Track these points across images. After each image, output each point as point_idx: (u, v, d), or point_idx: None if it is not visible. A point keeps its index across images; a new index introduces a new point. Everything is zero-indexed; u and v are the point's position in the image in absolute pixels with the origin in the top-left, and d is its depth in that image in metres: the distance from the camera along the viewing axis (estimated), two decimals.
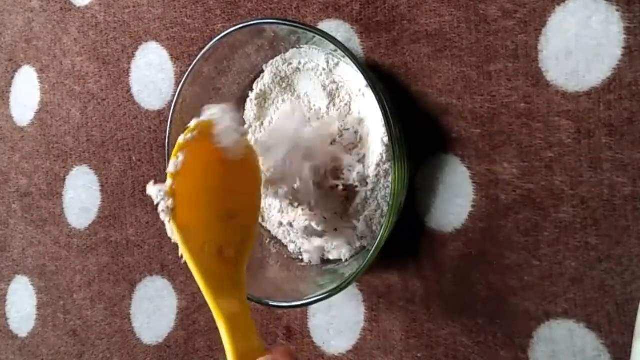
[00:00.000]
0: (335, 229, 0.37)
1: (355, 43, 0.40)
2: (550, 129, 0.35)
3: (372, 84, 0.32)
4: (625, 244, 0.33)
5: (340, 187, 0.37)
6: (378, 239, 0.32)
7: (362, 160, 0.37)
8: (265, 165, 0.36)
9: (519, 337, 0.36)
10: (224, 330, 0.29)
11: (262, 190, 0.40)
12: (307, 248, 0.39)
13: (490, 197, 0.36)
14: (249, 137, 0.41)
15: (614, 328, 0.34)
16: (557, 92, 0.34)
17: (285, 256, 0.40)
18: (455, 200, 0.37)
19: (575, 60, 0.34)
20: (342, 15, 0.40)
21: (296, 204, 0.37)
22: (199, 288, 0.31)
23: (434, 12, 0.37)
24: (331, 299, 0.34)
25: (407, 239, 0.38)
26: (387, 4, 0.39)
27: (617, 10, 0.33)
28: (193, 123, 0.32)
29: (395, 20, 0.38)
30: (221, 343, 0.45)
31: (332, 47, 0.33)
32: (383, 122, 0.33)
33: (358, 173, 0.36)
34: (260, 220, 0.41)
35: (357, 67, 0.32)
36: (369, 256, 0.32)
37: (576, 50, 0.34)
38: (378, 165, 0.36)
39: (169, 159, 0.38)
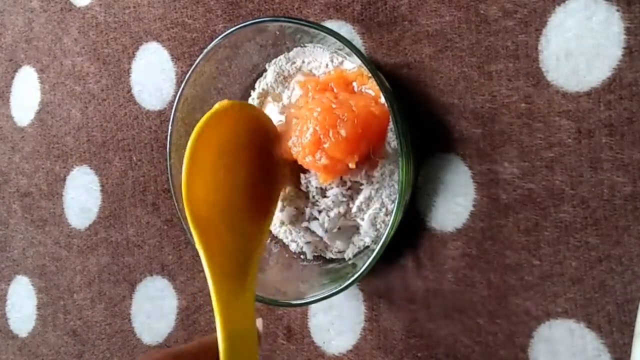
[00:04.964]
0: (339, 228, 0.37)
1: (357, 43, 0.40)
2: (551, 129, 0.35)
3: (380, 81, 0.32)
4: (625, 243, 0.33)
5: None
6: (384, 238, 0.32)
7: None
8: None
9: (519, 337, 0.36)
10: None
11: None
12: (309, 240, 0.39)
13: (491, 197, 0.36)
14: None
15: (614, 328, 0.34)
16: (557, 92, 0.35)
17: (287, 255, 0.40)
18: (456, 200, 0.37)
19: (576, 61, 0.34)
20: (344, 15, 0.40)
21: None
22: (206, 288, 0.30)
23: (435, 12, 0.37)
24: (331, 298, 0.34)
25: (408, 238, 0.38)
26: (388, 4, 0.39)
27: (618, 11, 0.33)
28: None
29: (397, 21, 0.39)
30: None
31: (337, 45, 0.33)
32: (390, 120, 0.33)
33: (365, 172, 0.36)
34: None
35: (365, 64, 0.33)
36: (374, 254, 0.32)
37: (576, 50, 0.34)
38: (383, 163, 0.36)
39: (170, 159, 0.38)
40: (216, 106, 0.33)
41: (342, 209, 0.37)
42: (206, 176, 0.31)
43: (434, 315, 0.38)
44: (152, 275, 0.48)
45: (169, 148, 0.38)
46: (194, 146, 0.30)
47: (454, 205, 0.37)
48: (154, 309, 0.48)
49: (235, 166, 0.33)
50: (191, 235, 0.30)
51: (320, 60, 0.39)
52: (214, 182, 0.32)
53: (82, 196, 0.51)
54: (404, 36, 0.38)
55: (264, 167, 0.35)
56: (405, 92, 0.38)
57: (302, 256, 0.40)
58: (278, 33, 0.38)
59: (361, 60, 0.32)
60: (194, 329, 0.46)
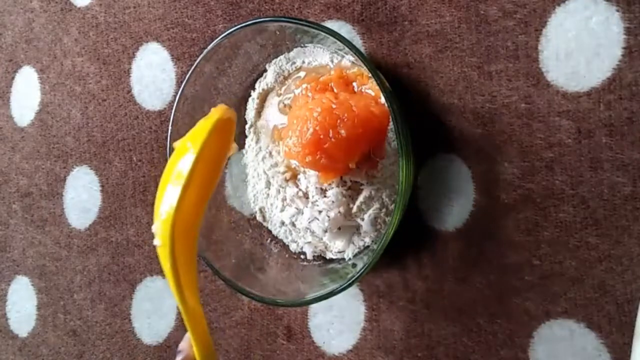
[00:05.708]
0: (339, 228, 0.37)
1: (357, 44, 0.40)
2: (551, 129, 0.35)
3: (380, 81, 0.32)
4: (625, 243, 0.33)
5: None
6: (384, 237, 0.32)
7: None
8: None
9: (519, 337, 0.36)
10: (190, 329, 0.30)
11: (265, 191, 0.41)
12: (309, 240, 0.39)
13: (491, 197, 0.36)
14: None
15: (614, 328, 0.34)
16: (557, 92, 0.35)
17: (287, 255, 0.40)
18: (456, 200, 0.37)
19: (576, 61, 0.34)
20: (344, 16, 0.40)
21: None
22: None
23: (435, 12, 0.37)
24: (331, 298, 0.34)
25: (408, 238, 0.38)
26: (388, 4, 0.39)
27: (617, 11, 0.33)
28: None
29: (397, 21, 0.39)
30: (220, 343, 0.45)
31: (337, 45, 0.33)
32: (390, 120, 0.33)
33: (365, 172, 0.36)
34: (261, 220, 0.42)
35: (365, 64, 0.33)
36: (374, 254, 0.32)
37: (576, 50, 0.34)
38: (383, 163, 0.36)
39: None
40: (216, 115, 0.31)
41: (342, 209, 0.37)
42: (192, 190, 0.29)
43: (435, 315, 0.38)
44: (152, 275, 0.48)
45: (169, 148, 0.38)
46: (197, 159, 0.28)
47: (455, 205, 0.37)
48: (154, 309, 0.48)
49: (209, 171, 0.32)
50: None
51: (320, 60, 0.39)
52: (193, 194, 0.30)
53: (82, 196, 0.51)
54: (404, 36, 0.38)
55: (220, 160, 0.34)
56: (405, 92, 0.38)
57: (302, 256, 0.40)
58: (278, 33, 0.38)
59: (361, 60, 0.32)
60: None
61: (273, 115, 0.40)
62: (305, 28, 0.36)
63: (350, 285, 0.33)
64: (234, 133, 0.34)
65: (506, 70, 0.36)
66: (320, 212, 0.37)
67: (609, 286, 0.34)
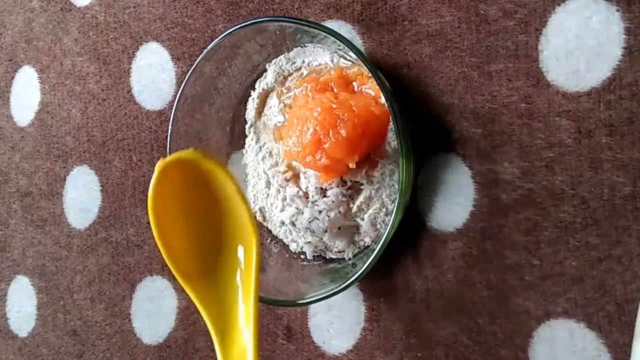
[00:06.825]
0: (339, 228, 0.37)
1: (357, 44, 0.40)
2: (551, 129, 0.35)
3: (380, 81, 0.32)
4: (625, 243, 0.33)
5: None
6: (384, 238, 0.32)
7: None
8: None
9: (519, 337, 0.36)
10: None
11: (265, 190, 0.41)
12: (309, 240, 0.39)
13: (491, 197, 0.36)
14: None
15: (614, 328, 0.34)
16: (557, 92, 0.35)
17: (287, 255, 0.40)
18: (456, 200, 0.37)
19: (576, 60, 0.34)
20: (344, 15, 0.40)
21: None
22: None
23: (435, 12, 0.37)
24: (331, 298, 0.34)
25: (408, 238, 0.38)
26: (388, 4, 0.39)
27: (617, 11, 0.33)
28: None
29: (397, 21, 0.39)
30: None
31: (337, 45, 0.33)
32: (390, 120, 0.33)
33: (365, 172, 0.36)
34: (261, 220, 0.42)
35: (365, 64, 0.33)
36: (374, 254, 0.32)
37: (576, 50, 0.34)
38: (383, 163, 0.36)
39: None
40: (160, 163, 0.30)
41: (342, 209, 0.37)
42: (175, 225, 0.30)
43: (434, 315, 0.38)
44: (152, 275, 0.48)
45: (169, 148, 0.38)
46: (153, 201, 0.29)
47: (454, 205, 0.37)
48: (154, 309, 0.48)
49: (198, 210, 0.32)
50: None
51: (320, 60, 0.39)
52: (183, 229, 0.31)
53: (82, 196, 0.51)
54: (404, 36, 0.38)
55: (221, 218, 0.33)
56: (405, 92, 0.38)
57: (302, 256, 0.40)
58: (278, 33, 0.38)
59: (361, 60, 0.32)
60: (193, 328, 0.46)
61: (273, 115, 0.40)
62: (305, 28, 0.36)
63: (350, 285, 0.33)
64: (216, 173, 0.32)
65: (506, 70, 0.36)
66: (320, 212, 0.37)
67: (609, 286, 0.34)
